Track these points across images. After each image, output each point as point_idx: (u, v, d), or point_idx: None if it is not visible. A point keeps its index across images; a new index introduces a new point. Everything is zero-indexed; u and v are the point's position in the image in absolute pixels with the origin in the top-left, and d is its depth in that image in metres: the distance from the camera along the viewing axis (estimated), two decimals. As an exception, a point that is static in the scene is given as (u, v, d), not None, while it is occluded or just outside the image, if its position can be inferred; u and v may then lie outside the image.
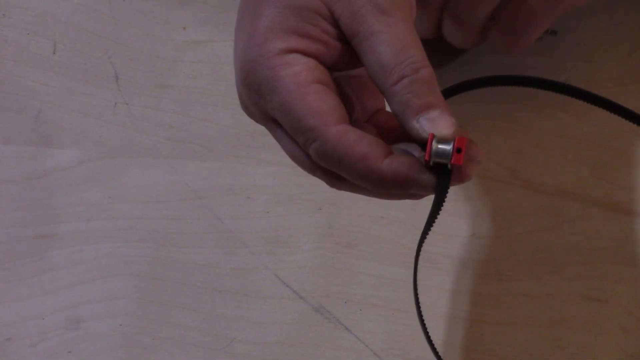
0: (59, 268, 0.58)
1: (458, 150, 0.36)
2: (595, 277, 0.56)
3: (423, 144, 0.37)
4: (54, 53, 0.64)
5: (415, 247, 0.58)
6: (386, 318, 0.56)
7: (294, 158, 0.41)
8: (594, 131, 0.59)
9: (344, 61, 0.40)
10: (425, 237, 0.40)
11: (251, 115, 0.42)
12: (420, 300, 0.57)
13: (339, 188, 0.41)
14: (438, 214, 0.39)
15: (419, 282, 0.57)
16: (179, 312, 0.57)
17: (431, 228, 0.40)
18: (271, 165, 0.60)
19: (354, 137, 0.37)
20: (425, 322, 0.44)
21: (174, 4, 0.65)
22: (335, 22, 0.39)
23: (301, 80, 0.38)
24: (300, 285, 0.57)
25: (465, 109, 0.60)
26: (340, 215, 0.58)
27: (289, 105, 0.38)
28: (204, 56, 0.63)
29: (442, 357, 0.47)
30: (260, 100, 0.39)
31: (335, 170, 0.38)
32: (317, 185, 0.59)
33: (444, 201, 0.38)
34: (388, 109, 0.41)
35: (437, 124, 0.37)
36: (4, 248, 0.59)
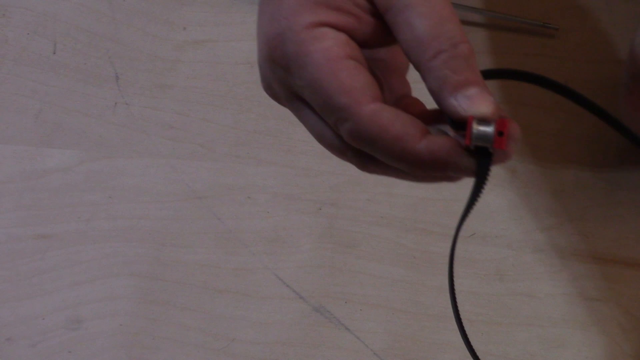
0: (59, 268, 0.58)
1: (500, 134, 0.34)
2: (595, 277, 0.56)
3: (458, 123, 0.35)
4: (54, 53, 0.64)
5: (415, 247, 0.58)
6: (386, 318, 0.56)
7: (321, 139, 0.39)
8: (594, 131, 0.59)
9: (377, 37, 0.37)
10: (463, 222, 0.38)
11: (274, 95, 0.40)
12: (420, 300, 0.57)
13: (371, 171, 0.39)
14: (478, 198, 0.36)
15: (420, 282, 0.57)
16: (179, 312, 0.57)
17: (470, 212, 0.37)
18: (271, 165, 0.60)
19: (389, 116, 0.35)
20: (464, 327, 0.43)
21: (174, 4, 0.65)
22: None
23: (332, 55, 0.35)
24: (300, 285, 0.57)
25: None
26: (340, 215, 0.58)
27: (320, 82, 0.35)
28: (204, 56, 0.63)
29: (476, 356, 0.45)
30: (287, 76, 0.37)
31: (368, 151, 0.36)
32: (317, 185, 0.59)
33: (485, 184, 0.36)
34: (414, 94, 0.40)
35: (476, 102, 0.34)
36: (4, 248, 0.59)
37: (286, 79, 0.37)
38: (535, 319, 0.55)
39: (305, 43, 0.35)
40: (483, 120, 0.34)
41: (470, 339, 0.56)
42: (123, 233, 0.59)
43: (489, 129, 0.34)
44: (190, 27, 0.64)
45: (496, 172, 0.59)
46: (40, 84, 0.63)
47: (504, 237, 0.57)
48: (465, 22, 0.63)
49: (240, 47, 0.63)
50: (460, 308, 0.56)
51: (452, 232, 0.57)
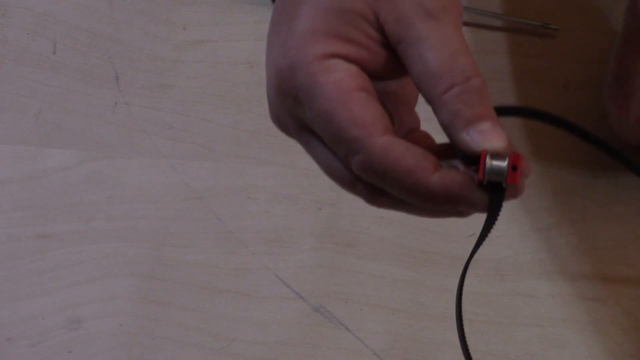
0: (59, 268, 0.58)
1: (514, 168, 0.34)
2: (595, 277, 0.56)
3: (470, 158, 0.35)
4: (54, 53, 0.64)
5: (415, 247, 0.58)
6: (386, 318, 0.56)
7: (330, 172, 0.38)
8: (594, 131, 0.59)
9: (388, 69, 0.37)
10: (473, 256, 0.38)
11: (283, 126, 0.39)
12: (420, 300, 0.57)
13: (380, 205, 0.39)
14: (489, 232, 0.36)
15: (420, 282, 0.57)
16: (179, 312, 0.57)
17: (480, 246, 0.37)
18: (271, 165, 0.60)
19: (402, 149, 0.35)
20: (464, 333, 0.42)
21: (174, 4, 0.65)
22: (380, 27, 0.36)
23: (344, 87, 0.35)
24: (300, 285, 0.57)
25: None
26: (340, 215, 0.58)
27: (331, 114, 0.35)
28: (204, 56, 0.63)
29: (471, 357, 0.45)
30: (297, 108, 0.36)
31: (379, 184, 0.36)
32: (317, 185, 0.59)
33: (497, 219, 0.36)
34: (423, 127, 0.40)
35: (488, 137, 0.34)
36: (4, 248, 0.59)
37: (296, 111, 0.37)
38: (535, 319, 0.55)
39: (316, 74, 0.35)
40: (496, 155, 0.34)
41: (471, 339, 0.55)
42: (123, 233, 0.59)
43: (502, 164, 0.34)
44: (190, 27, 0.64)
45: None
46: (40, 84, 0.63)
47: (504, 237, 0.57)
48: (465, 23, 0.63)
49: (240, 47, 0.63)
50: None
51: (452, 232, 0.58)
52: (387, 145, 0.35)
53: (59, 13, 0.65)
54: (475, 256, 0.58)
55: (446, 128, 0.35)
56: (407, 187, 0.35)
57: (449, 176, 0.35)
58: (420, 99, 0.37)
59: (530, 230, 0.58)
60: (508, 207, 0.58)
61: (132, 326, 0.57)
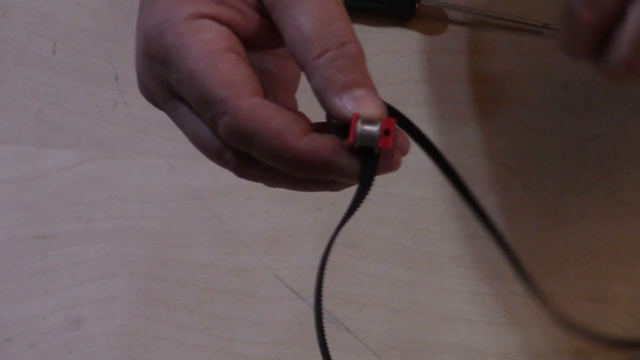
0: (58, 268, 0.58)
1: (386, 132, 0.32)
2: (595, 277, 0.56)
3: (342, 129, 0.33)
4: (54, 53, 0.64)
5: (415, 247, 0.58)
6: (386, 318, 0.56)
7: (197, 141, 0.36)
8: (594, 131, 0.59)
9: (262, 36, 0.36)
10: (341, 228, 0.36)
11: (149, 94, 0.38)
12: (420, 300, 0.57)
13: (250, 175, 0.37)
14: (360, 204, 0.34)
15: (420, 282, 0.57)
16: (179, 312, 0.57)
17: (349, 219, 0.35)
18: (271, 165, 0.60)
19: (271, 111, 0.33)
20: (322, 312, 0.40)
21: (174, 4, 0.65)
22: None
23: (212, 47, 0.34)
24: (300, 285, 0.57)
25: (464, 110, 0.60)
26: (340, 215, 0.58)
27: (197, 74, 0.33)
28: (204, 56, 0.63)
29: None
30: (164, 71, 0.35)
31: (246, 149, 0.34)
32: (317, 185, 0.59)
33: (369, 191, 0.34)
34: (302, 109, 0.38)
35: (362, 104, 0.33)
36: (4, 248, 0.59)
37: (163, 75, 0.35)
38: (535, 319, 0.55)
39: (184, 34, 0.34)
40: (368, 121, 0.32)
41: (471, 339, 0.55)
42: (123, 233, 0.59)
43: (374, 128, 0.32)
44: (190, 27, 0.64)
45: (496, 172, 0.59)
46: (40, 84, 0.63)
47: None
48: (465, 23, 0.63)
49: (240, 47, 0.63)
50: (460, 308, 0.56)
51: (452, 232, 0.58)
52: (255, 106, 0.33)
53: (59, 13, 0.65)
54: (475, 256, 0.58)
55: (319, 94, 0.34)
56: (275, 151, 0.33)
57: (319, 140, 0.33)
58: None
59: (530, 230, 0.58)
60: (508, 207, 0.58)
61: (132, 326, 0.57)
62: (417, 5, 0.62)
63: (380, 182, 0.59)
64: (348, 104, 0.33)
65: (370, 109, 0.33)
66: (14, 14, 0.65)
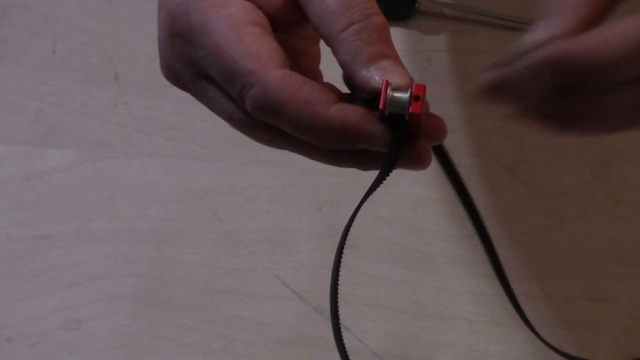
0: (58, 268, 0.58)
1: (416, 98, 0.32)
2: (595, 277, 0.56)
3: (370, 101, 0.33)
4: (54, 53, 0.64)
5: (415, 247, 0.58)
6: (386, 318, 0.56)
7: (229, 117, 0.36)
8: (594, 131, 0.59)
9: (285, 14, 0.36)
10: (364, 200, 0.36)
11: (175, 77, 0.38)
12: (420, 300, 0.57)
13: (281, 146, 0.37)
14: (388, 174, 0.34)
15: (420, 282, 0.57)
16: (179, 312, 0.57)
17: (376, 188, 0.35)
18: (271, 165, 0.60)
19: (298, 80, 0.33)
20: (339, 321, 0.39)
21: (174, 4, 0.65)
22: None
23: (237, 21, 0.34)
24: (300, 285, 0.57)
25: (463, 109, 0.60)
26: (340, 216, 0.58)
27: (224, 48, 0.33)
28: (204, 56, 0.63)
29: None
30: (190, 49, 0.35)
31: (274, 121, 0.34)
32: (317, 185, 0.59)
33: (398, 158, 0.33)
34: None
35: (390, 74, 0.33)
36: (4, 248, 0.59)
37: (189, 53, 0.35)
38: (534, 319, 0.55)
39: (209, 10, 0.34)
40: (398, 89, 0.32)
41: (471, 339, 0.55)
42: (123, 233, 0.59)
43: (404, 95, 0.32)
44: (190, 27, 0.64)
45: (496, 172, 0.59)
46: (40, 84, 0.63)
47: (504, 237, 0.57)
48: (465, 23, 0.63)
49: (240, 47, 0.63)
50: (460, 308, 0.56)
51: (452, 232, 0.58)
52: (283, 77, 0.33)
53: (59, 13, 0.65)
54: (475, 256, 0.58)
55: (346, 67, 0.34)
56: (304, 120, 0.33)
57: (348, 108, 0.33)
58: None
59: (530, 230, 0.58)
60: (508, 207, 0.58)
61: (132, 326, 0.57)
62: (417, 4, 0.62)
63: (380, 182, 0.59)
64: (376, 75, 0.33)
65: (398, 79, 0.33)
66: (14, 14, 0.65)
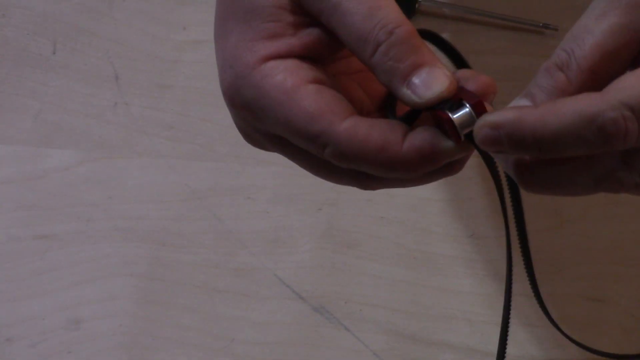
0: (58, 268, 0.58)
1: (479, 112, 0.33)
2: (595, 277, 0.56)
3: (423, 110, 0.34)
4: (54, 53, 0.64)
5: (415, 247, 0.58)
6: (386, 318, 0.56)
7: (314, 171, 0.37)
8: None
9: (323, 48, 0.36)
10: (502, 195, 0.37)
11: (255, 142, 0.38)
12: (420, 300, 0.57)
13: (374, 188, 0.37)
14: (496, 167, 0.36)
15: (420, 282, 0.57)
16: (179, 312, 0.57)
17: (501, 185, 0.37)
18: (271, 165, 0.60)
19: (366, 129, 0.33)
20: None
21: (174, 4, 0.65)
22: (299, 8, 0.35)
23: (288, 87, 0.34)
24: (300, 286, 0.57)
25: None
26: (340, 216, 0.58)
27: (287, 118, 0.34)
28: (204, 56, 0.63)
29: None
30: (257, 122, 0.36)
31: (358, 168, 0.35)
32: (317, 185, 0.59)
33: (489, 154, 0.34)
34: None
35: (429, 84, 0.33)
36: (5, 248, 0.59)
37: (257, 124, 0.36)
38: (535, 319, 0.55)
39: (259, 84, 0.34)
40: (452, 105, 0.33)
41: (471, 339, 0.55)
42: (123, 233, 0.59)
43: (467, 116, 0.33)
44: (190, 27, 0.64)
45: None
46: (40, 84, 0.63)
47: (504, 237, 0.57)
48: (465, 23, 0.63)
49: (240, 47, 0.63)
50: (460, 308, 0.56)
51: (452, 232, 0.58)
52: (350, 130, 0.33)
53: (59, 13, 0.65)
54: (475, 256, 0.58)
55: (388, 88, 0.34)
56: (384, 164, 0.33)
57: (417, 138, 0.33)
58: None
59: (530, 230, 0.57)
60: (508, 207, 0.58)
61: (132, 326, 0.57)
62: (417, 4, 0.62)
63: (380, 182, 0.59)
64: (417, 90, 0.33)
65: (438, 86, 0.33)
66: (14, 14, 0.65)
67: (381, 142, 0.33)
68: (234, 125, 0.63)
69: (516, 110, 0.32)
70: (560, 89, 0.34)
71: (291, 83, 0.34)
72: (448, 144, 0.33)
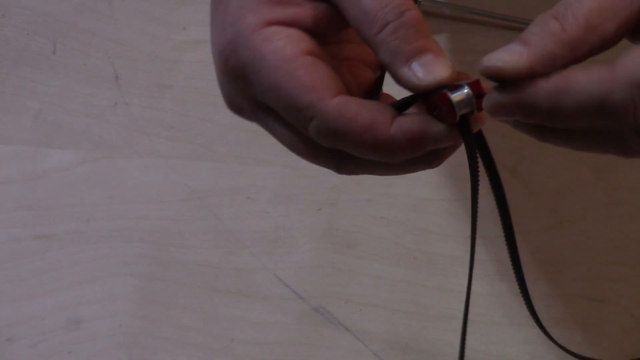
0: (58, 268, 0.58)
1: (479, 95, 0.33)
2: (595, 277, 0.56)
3: (424, 97, 0.34)
4: (54, 53, 0.64)
5: (415, 247, 0.58)
6: (386, 318, 0.56)
7: (293, 147, 0.37)
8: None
9: (327, 23, 0.36)
10: (476, 191, 0.37)
11: (238, 109, 0.38)
12: (420, 300, 0.57)
13: (350, 172, 0.37)
14: (477, 160, 0.36)
15: (420, 282, 0.57)
16: (179, 312, 0.57)
17: (478, 181, 0.37)
18: (271, 165, 0.60)
19: (355, 107, 0.34)
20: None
21: (174, 4, 0.65)
22: None
23: (287, 54, 0.34)
24: (300, 286, 0.57)
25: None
26: (340, 216, 0.58)
27: (279, 85, 0.34)
28: (204, 56, 0.63)
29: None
30: (246, 86, 0.36)
31: (341, 147, 0.35)
32: (317, 185, 0.59)
33: (475, 145, 0.35)
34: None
35: (431, 69, 0.33)
36: (4, 248, 0.59)
37: (246, 89, 0.36)
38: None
39: (257, 47, 0.34)
40: (454, 89, 0.33)
41: (471, 339, 0.55)
42: (123, 233, 0.59)
43: (465, 95, 0.33)
44: (190, 27, 0.64)
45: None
46: (40, 84, 0.63)
47: (504, 237, 0.57)
48: (465, 23, 0.63)
49: (240, 47, 0.63)
50: (460, 308, 0.56)
51: (452, 232, 0.58)
52: (340, 106, 0.34)
53: (59, 13, 0.65)
54: (475, 256, 0.58)
55: (388, 67, 0.34)
56: (369, 144, 0.34)
57: (407, 120, 0.34)
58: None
59: (530, 230, 0.58)
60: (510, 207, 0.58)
61: (132, 326, 0.57)
62: (417, 4, 0.62)
63: (381, 182, 0.59)
64: (418, 72, 0.33)
65: (440, 71, 0.33)
66: (14, 14, 0.65)
67: (369, 121, 0.33)
68: (234, 125, 0.64)
69: (530, 84, 0.33)
70: (554, 34, 0.35)
71: (290, 51, 0.34)
72: (438, 128, 0.34)
